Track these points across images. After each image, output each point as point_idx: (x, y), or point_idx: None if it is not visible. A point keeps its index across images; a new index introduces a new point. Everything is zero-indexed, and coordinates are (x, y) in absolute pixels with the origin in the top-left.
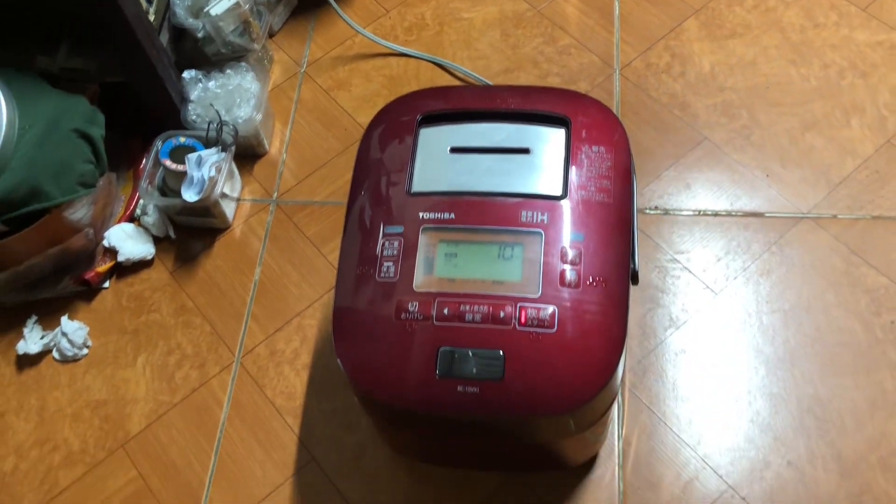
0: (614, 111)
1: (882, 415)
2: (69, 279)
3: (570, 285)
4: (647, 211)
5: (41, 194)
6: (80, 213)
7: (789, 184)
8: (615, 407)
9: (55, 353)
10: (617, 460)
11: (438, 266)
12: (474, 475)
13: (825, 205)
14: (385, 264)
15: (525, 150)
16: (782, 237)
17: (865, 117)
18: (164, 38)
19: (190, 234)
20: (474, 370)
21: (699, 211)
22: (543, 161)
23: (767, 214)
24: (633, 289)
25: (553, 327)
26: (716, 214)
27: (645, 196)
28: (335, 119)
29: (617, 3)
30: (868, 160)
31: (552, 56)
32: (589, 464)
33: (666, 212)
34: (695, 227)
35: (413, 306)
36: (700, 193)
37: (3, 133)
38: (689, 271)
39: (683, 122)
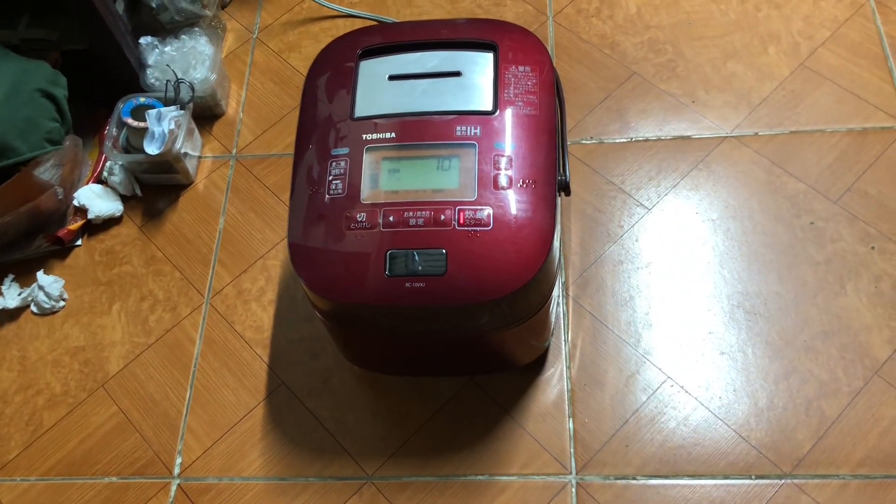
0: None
1: (804, 303)
2: (42, 238)
3: (503, 188)
4: (584, 141)
5: (10, 150)
6: (48, 172)
7: (714, 108)
8: (560, 314)
9: (33, 307)
10: (564, 362)
11: (383, 181)
12: (433, 383)
13: (746, 124)
14: (334, 183)
15: (457, 73)
16: (709, 155)
17: (781, 44)
18: (120, 6)
19: (156, 191)
20: (420, 267)
21: (631, 138)
22: (474, 82)
23: (694, 137)
24: (572, 210)
25: (489, 225)
26: (646, 140)
27: (580, 128)
28: (288, 78)
29: None
30: (784, 82)
31: (489, 8)
32: (539, 366)
33: (601, 141)
34: (627, 152)
35: (361, 216)
36: (632, 122)
37: None
38: (624, 192)
39: (613, 59)
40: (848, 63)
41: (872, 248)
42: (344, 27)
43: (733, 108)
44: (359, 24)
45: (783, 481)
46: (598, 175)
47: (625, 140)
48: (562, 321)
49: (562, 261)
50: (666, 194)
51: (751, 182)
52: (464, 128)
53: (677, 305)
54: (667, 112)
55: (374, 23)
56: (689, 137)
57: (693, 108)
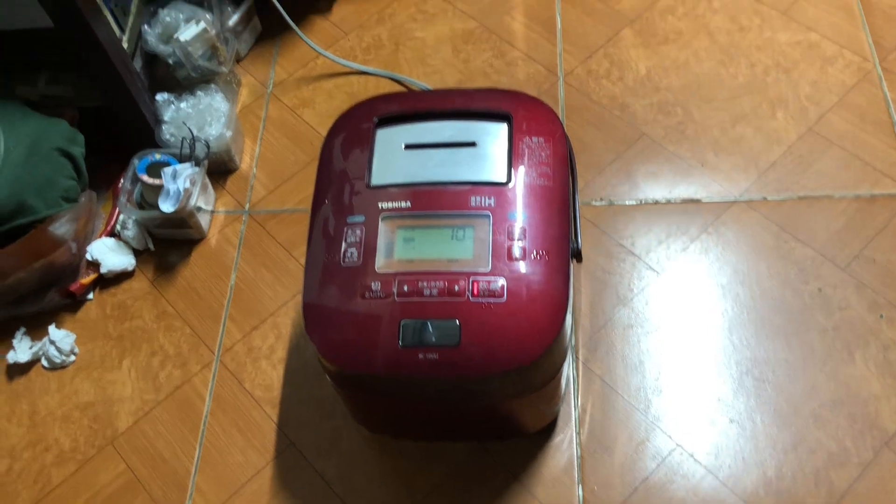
0: (560, 115)
1: (812, 371)
2: (54, 292)
3: (516, 259)
4: (594, 203)
5: (27, 209)
6: (63, 227)
7: (722, 171)
8: (570, 378)
9: (44, 361)
10: (574, 427)
11: (398, 249)
12: (442, 447)
13: (755, 188)
14: (349, 251)
15: (472, 144)
16: (718, 219)
17: (789, 109)
18: (138, 63)
19: (168, 245)
20: (433, 339)
21: (641, 200)
22: (489, 152)
23: (704, 200)
24: (583, 272)
25: (503, 297)
26: (656, 202)
27: (591, 189)
28: (301, 134)
29: (559, 17)
30: (792, 146)
31: (501, 68)
32: (548, 432)
33: (611, 203)
34: (637, 214)
35: (376, 285)
36: (641, 184)
37: None
38: (634, 254)
39: (623, 121)
40: (855, 129)
41: (881, 316)
42: (357, 83)
43: (742, 172)
44: (372, 80)
45: None
46: (607, 237)
47: (634, 202)
48: (572, 385)
49: (572, 324)
50: (676, 258)
51: (759, 247)
52: (478, 198)
53: (687, 371)
54: (676, 174)
55: (387, 80)
56: (698, 200)
57: (702, 171)
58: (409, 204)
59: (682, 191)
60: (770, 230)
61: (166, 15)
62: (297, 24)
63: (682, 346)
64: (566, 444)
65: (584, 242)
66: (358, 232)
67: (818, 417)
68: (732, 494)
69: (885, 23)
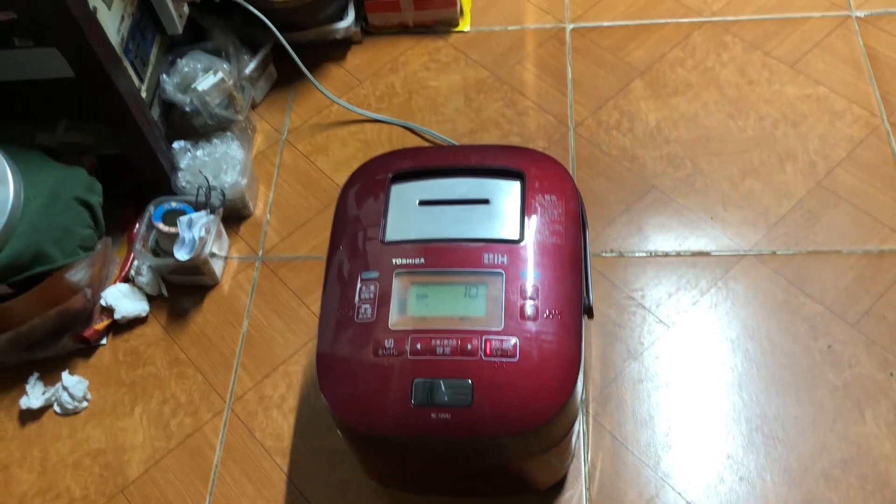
0: (570, 165)
1: (822, 429)
2: (68, 337)
3: (529, 318)
4: (604, 254)
5: (45, 257)
6: (79, 274)
7: (732, 224)
8: (580, 433)
9: (56, 407)
10: (584, 483)
11: (411, 306)
12: (452, 502)
13: (764, 242)
14: (363, 307)
15: (485, 201)
16: (727, 273)
17: (798, 163)
18: (156, 112)
19: (181, 291)
20: (446, 398)
21: (651, 252)
22: (502, 209)
23: (713, 253)
24: (593, 324)
25: (515, 356)
26: (666, 255)
27: (600, 240)
28: (315, 181)
29: (570, 69)
30: (801, 201)
31: (512, 118)
32: (558, 487)
33: (621, 254)
34: (647, 266)
35: (389, 343)
36: (651, 236)
37: (10, 203)
38: (644, 307)
39: (633, 172)
40: (864, 184)
41: (891, 374)
42: (371, 131)
43: (751, 226)
44: (385, 128)
45: None
46: (618, 289)
47: (644, 254)
48: (582, 440)
49: (583, 378)
50: (685, 311)
51: (769, 302)
52: (491, 255)
53: (697, 427)
54: (686, 227)
55: (400, 128)
56: (708, 253)
57: (712, 224)
58: (422, 260)
59: (692, 243)
60: (779, 285)
61: (185, 65)
62: (311, 72)
63: (692, 402)
64: (576, 499)
65: (594, 295)
66: (372, 287)
67: (829, 477)
68: None
69: (892, 78)
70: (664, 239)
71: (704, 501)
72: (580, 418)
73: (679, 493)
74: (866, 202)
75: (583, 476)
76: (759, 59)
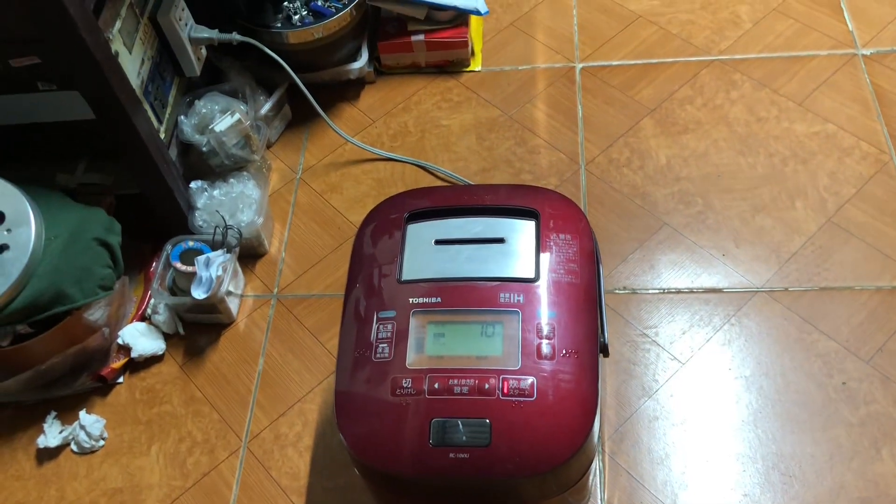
0: (581, 203)
1: (840, 467)
2: (86, 376)
3: (546, 357)
4: (617, 291)
5: (65, 298)
6: (97, 314)
7: (744, 261)
8: (596, 471)
9: (73, 446)
10: None
11: (428, 345)
12: None
13: (777, 279)
14: (380, 346)
15: (501, 240)
16: (740, 310)
17: (808, 199)
18: (173, 152)
19: (197, 329)
20: (464, 438)
21: (663, 289)
22: (517, 249)
23: (725, 290)
24: (607, 362)
25: (533, 396)
26: (678, 292)
27: (614, 277)
28: (329, 219)
29: (580, 107)
30: (812, 237)
31: (524, 156)
32: None
33: (633, 291)
34: (660, 304)
35: (407, 382)
36: (663, 273)
37: (31, 244)
38: (658, 344)
39: (645, 210)
40: (874, 220)
41: None
42: (384, 169)
43: (763, 262)
44: (398, 167)
45: None
46: (631, 326)
47: (657, 291)
48: (598, 478)
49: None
50: (699, 348)
51: (782, 339)
52: (507, 294)
53: (713, 465)
54: (698, 264)
55: (413, 167)
56: (720, 290)
57: (723, 262)
58: (439, 299)
59: (705, 280)
60: (793, 322)
61: (202, 107)
62: (325, 112)
63: (708, 440)
64: None
65: (609, 333)
66: (389, 326)
67: None
68: None
69: None
70: (677, 276)
71: None
72: (596, 457)
73: None
74: (877, 238)
75: None
76: (767, 97)
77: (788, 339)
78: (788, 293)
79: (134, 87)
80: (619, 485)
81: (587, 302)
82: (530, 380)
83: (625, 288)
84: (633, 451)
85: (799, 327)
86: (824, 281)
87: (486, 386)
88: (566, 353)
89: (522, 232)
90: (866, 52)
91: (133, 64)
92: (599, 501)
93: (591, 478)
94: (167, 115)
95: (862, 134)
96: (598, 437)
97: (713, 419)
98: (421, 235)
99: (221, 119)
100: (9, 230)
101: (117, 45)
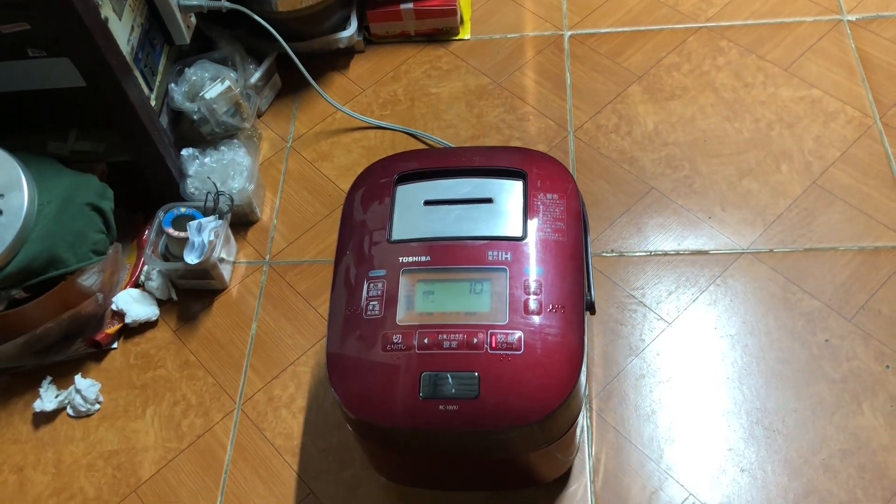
0: (570, 168)
1: (822, 421)
2: (80, 341)
3: (533, 312)
4: (604, 254)
5: (59, 262)
6: (91, 279)
7: (729, 224)
8: (584, 428)
9: (69, 410)
10: (588, 476)
11: (418, 302)
12: (460, 497)
13: (762, 241)
14: (371, 304)
15: (489, 200)
16: (725, 271)
17: (793, 163)
18: (164, 120)
19: (191, 296)
20: (453, 390)
21: (650, 252)
22: (505, 208)
23: (711, 252)
24: (595, 322)
25: (520, 349)
26: (665, 254)
27: (601, 241)
28: (320, 187)
29: (568, 74)
30: (797, 200)
31: (513, 123)
32: (563, 481)
33: (621, 254)
34: (647, 266)
35: (397, 338)
36: (650, 236)
37: (24, 209)
38: (645, 305)
39: (632, 174)
40: (858, 182)
41: (887, 367)
42: (374, 138)
43: (749, 225)
44: (388, 135)
45: None
46: (619, 288)
47: (644, 253)
48: (586, 435)
49: (586, 374)
50: (685, 308)
51: (767, 298)
52: (495, 253)
53: (698, 421)
54: (684, 227)
55: (403, 134)
56: (706, 252)
57: (710, 224)
58: (428, 258)
59: (691, 243)
60: (777, 282)
61: (192, 74)
62: (315, 81)
63: (694, 396)
64: (581, 493)
65: (596, 293)
66: (379, 285)
67: (828, 468)
68: None
69: (884, 80)
70: (663, 239)
71: (707, 493)
72: (584, 414)
73: (682, 485)
74: (860, 200)
75: (587, 470)
76: (753, 63)
77: (773, 299)
78: (773, 254)
79: (124, 53)
80: (606, 440)
81: (574, 259)
82: (518, 334)
83: (612, 251)
84: (621, 409)
85: (783, 287)
86: (808, 242)
87: (475, 340)
88: (553, 308)
89: (510, 192)
90: (852, 17)
91: (123, 30)
92: (587, 457)
93: (578, 433)
94: (157, 83)
95: (847, 98)
96: (586, 393)
97: (699, 377)
98: (410, 196)
99: (212, 86)
100: (1, 195)
101: (107, 11)
